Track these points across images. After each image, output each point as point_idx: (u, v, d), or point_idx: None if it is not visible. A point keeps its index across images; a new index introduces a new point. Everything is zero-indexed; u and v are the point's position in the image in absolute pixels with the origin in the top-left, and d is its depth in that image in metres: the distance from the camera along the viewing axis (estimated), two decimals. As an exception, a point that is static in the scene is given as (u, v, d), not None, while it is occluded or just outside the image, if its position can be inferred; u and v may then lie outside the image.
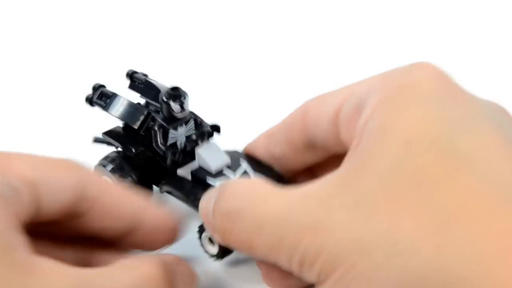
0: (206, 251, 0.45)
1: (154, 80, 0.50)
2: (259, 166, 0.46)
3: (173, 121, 0.46)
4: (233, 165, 0.46)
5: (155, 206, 0.42)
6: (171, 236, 0.42)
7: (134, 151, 0.47)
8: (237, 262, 0.45)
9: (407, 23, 0.76)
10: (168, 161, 0.46)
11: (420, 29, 0.75)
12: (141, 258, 0.38)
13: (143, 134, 0.48)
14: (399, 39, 0.74)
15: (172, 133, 0.46)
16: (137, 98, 0.50)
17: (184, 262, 0.40)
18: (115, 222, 0.39)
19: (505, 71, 0.66)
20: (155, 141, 0.46)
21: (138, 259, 0.37)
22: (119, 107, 0.49)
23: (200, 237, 0.45)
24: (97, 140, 0.51)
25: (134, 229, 0.40)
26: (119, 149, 0.49)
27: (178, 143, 0.47)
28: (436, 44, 0.72)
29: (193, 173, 0.45)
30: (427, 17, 0.77)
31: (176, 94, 0.45)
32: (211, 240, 0.44)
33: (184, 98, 0.45)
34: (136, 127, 0.47)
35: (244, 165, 0.46)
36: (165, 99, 0.45)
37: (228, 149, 0.47)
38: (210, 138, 0.46)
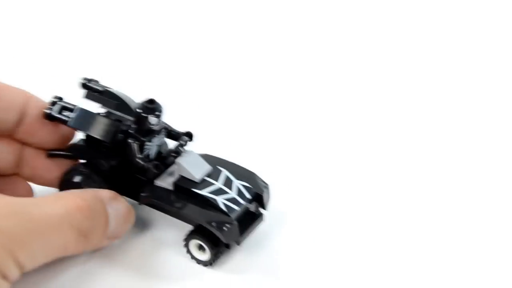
0: (195, 258, 0.46)
1: (112, 88, 0.49)
2: (240, 172, 0.47)
3: (148, 133, 0.46)
4: (214, 173, 0.47)
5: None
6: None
7: (107, 165, 0.47)
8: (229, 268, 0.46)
9: (407, 22, 0.76)
10: (150, 174, 0.45)
11: (420, 29, 0.74)
12: (75, 192, 0.42)
13: (109, 145, 0.47)
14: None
15: (147, 145, 0.46)
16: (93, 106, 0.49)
17: (120, 197, 0.44)
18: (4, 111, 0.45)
19: (505, 71, 0.68)
20: (133, 155, 0.45)
21: (72, 192, 0.42)
22: (83, 120, 0.47)
23: (187, 245, 0.46)
24: (52, 155, 0.49)
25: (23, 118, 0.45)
26: (82, 161, 0.48)
27: (151, 154, 0.47)
28: (436, 44, 0.72)
29: (176, 183, 0.46)
30: (427, 17, 0.76)
31: (153, 107, 0.45)
32: (201, 247, 0.45)
33: (161, 111, 0.45)
34: (107, 141, 0.46)
35: (226, 172, 0.47)
36: (143, 113, 0.45)
37: (199, 153, 0.48)
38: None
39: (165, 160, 0.47)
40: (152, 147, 0.46)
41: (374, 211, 0.51)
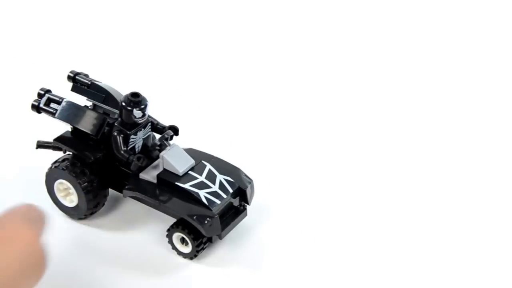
0: (177, 251, 0.46)
1: (99, 82, 0.49)
2: (224, 167, 0.48)
3: (132, 126, 0.46)
4: (198, 167, 0.47)
5: None
6: None
7: (92, 158, 0.47)
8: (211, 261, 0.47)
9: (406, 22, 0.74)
10: (134, 167, 0.46)
11: (420, 29, 0.73)
12: None
13: (96, 137, 0.47)
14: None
15: (132, 138, 0.46)
16: (82, 100, 0.49)
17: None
18: None
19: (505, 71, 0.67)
20: (117, 148, 0.46)
21: None
22: (70, 113, 0.47)
23: (170, 237, 0.46)
24: (41, 146, 0.50)
25: None
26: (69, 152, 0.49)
27: (136, 147, 0.47)
28: (436, 44, 0.71)
29: (159, 177, 0.46)
30: (427, 17, 0.75)
31: (138, 100, 0.45)
32: (183, 240, 0.46)
33: (145, 105, 0.46)
34: (94, 134, 0.47)
35: (209, 166, 0.47)
36: (127, 106, 0.45)
37: (184, 147, 0.48)
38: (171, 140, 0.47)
39: (151, 153, 0.47)
40: (137, 140, 0.47)
41: (356, 204, 0.51)
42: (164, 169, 0.46)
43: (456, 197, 0.52)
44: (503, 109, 0.62)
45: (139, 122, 0.46)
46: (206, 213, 0.44)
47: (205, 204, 0.44)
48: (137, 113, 0.45)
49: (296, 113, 0.61)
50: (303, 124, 0.60)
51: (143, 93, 0.46)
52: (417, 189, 0.53)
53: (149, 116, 0.47)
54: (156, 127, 0.48)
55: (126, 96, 0.45)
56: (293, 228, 0.49)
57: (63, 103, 0.47)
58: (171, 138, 0.47)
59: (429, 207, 0.51)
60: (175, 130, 0.47)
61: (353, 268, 0.46)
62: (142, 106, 0.45)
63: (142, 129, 0.47)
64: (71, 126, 0.48)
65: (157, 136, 0.48)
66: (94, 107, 0.48)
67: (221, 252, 0.47)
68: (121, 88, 0.49)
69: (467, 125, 0.60)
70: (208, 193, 0.45)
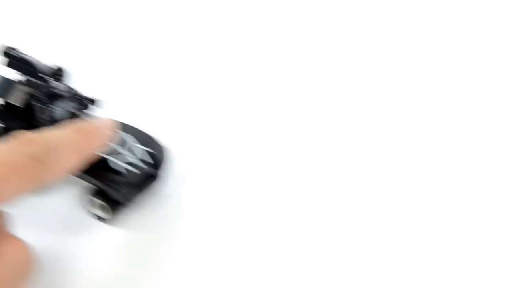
0: (94, 214, 0.49)
1: (28, 55, 0.51)
2: (141, 136, 0.50)
3: (52, 96, 0.48)
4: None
5: None
6: None
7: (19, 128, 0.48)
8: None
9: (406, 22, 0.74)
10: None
11: (420, 29, 0.72)
12: None
13: (24, 110, 0.49)
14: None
15: (50, 107, 0.48)
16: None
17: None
18: None
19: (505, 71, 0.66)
20: (38, 118, 0.48)
21: None
22: (2, 88, 0.48)
23: (88, 203, 0.49)
24: None
25: None
26: None
27: (58, 117, 0.49)
28: (435, 44, 0.70)
29: None
30: (427, 17, 0.74)
31: (55, 71, 0.47)
32: (100, 205, 0.48)
33: (63, 75, 0.47)
34: (21, 105, 0.48)
35: (126, 136, 0.50)
36: (45, 77, 0.47)
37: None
38: (89, 111, 0.49)
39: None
40: (57, 110, 0.48)
41: (266, 172, 0.54)
42: None
43: (439, 194, 0.53)
44: (503, 109, 0.62)
45: (57, 92, 0.48)
46: (119, 179, 0.47)
47: (118, 172, 0.47)
48: (54, 83, 0.47)
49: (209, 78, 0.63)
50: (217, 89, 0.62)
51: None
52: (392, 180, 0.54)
53: (72, 88, 0.49)
54: (75, 97, 0.49)
55: (44, 66, 0.47)
56: (209, 196, 0.52)
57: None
58: (86, 107, 0.49)
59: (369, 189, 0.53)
60: (92, 101, 0.49)
61: (268, 235, 0.49)
62: (59, 76, 0.47)
63: (64, 101, 0.48)
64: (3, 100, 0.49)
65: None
66: (28, 82, 0.49)
67: (136, 217, 0.49)
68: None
69: (467, 125, 0.60)
70: (125, 162, 0.48)
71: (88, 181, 0.49)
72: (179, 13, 0.73)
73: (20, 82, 0.49)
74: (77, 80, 0.49)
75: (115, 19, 0.71)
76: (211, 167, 0.54)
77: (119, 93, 0.60)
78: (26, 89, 0.48)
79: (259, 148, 0.56)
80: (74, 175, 0.49)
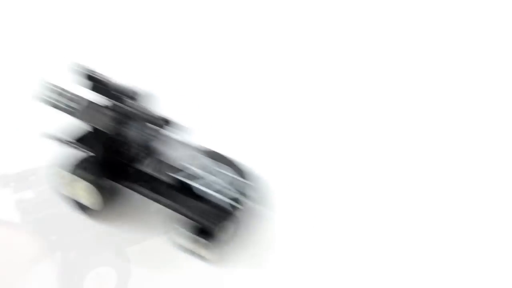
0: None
1: (109, 78, 0.50)
2: (220, 160, 0.50)
3: (127, 117, 0.49)
4: (202, 163, 0.50)
5: None
6: None
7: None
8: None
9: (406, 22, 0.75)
10: (146, 166, 0.49)
11: (420, 29, 0.74)
12: None
13: (113, 136, 0.49)
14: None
15: (125, 127, 0.49)
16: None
17: None
18: None
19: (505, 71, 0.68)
20: (129, 143, 0.49)
21: None
22: (89, 112, 0.49)
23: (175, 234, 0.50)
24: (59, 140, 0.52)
25: None
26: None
27: (133, 138, 0.50)
28: (435, 44, 0.72)
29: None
30: (427, 17, 0.76)
31: (134, 94, 0.48)
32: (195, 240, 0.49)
33: (137, 96, 0.48)
34: (110, 132, 0.48)
35: (205, 161, 0.50)
36: (121, 96, 0.48)
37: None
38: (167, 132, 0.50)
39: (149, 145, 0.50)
40: (131, 130, 0.49)
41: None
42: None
43: (435, 193, 0.55)
44: (502, 109, 0.63)
45: (130, 112, 0.48)
46: (218, 213, 0.47)
47: (217, 205, 0.47)
48: (128, 102, 0.48)
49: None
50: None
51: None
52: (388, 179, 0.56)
53: (144, 108, 0.49)
54: (148, 118, 0.49)
55: (123, 87, 0.48)
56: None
57: (83, 102, 0.49)
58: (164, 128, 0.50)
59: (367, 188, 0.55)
60: (166, 122, 0.49)
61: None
62: (134, 96, 0.48)
63: (137, 121, 0.49)
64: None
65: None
66: (114, 106, 0.49)
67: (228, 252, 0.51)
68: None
69: (467, 125, 0.62)
70: (216, 191, 0.48)
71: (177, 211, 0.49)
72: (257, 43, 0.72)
73: (106, 107, 0.50)
74: (162, 103, 0.50)
75: (203, 45, 0.72)
76: (305, 196, 0.55)
77: (206, 120, 0.60)
78: (113, 114, 0.49)
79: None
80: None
